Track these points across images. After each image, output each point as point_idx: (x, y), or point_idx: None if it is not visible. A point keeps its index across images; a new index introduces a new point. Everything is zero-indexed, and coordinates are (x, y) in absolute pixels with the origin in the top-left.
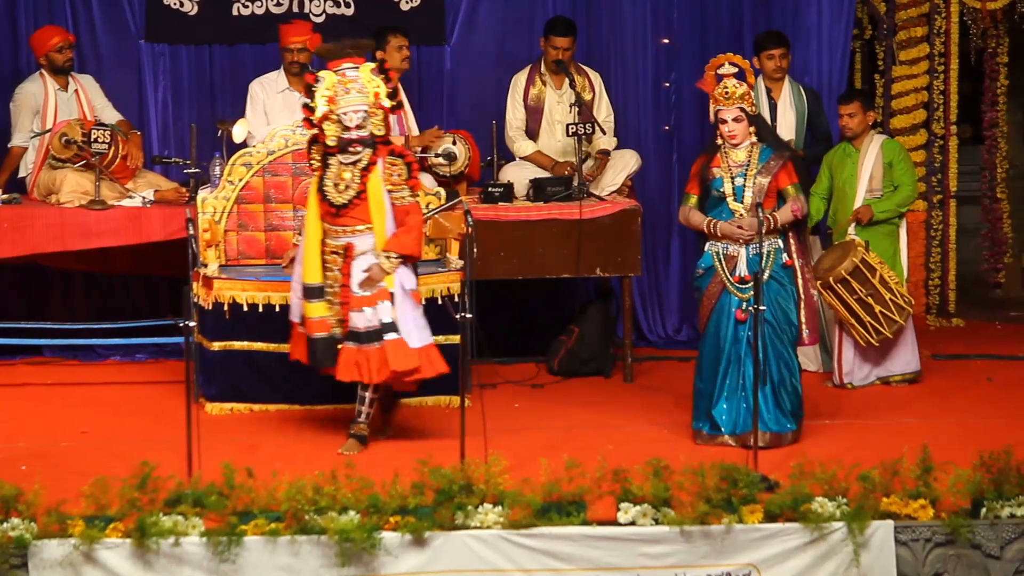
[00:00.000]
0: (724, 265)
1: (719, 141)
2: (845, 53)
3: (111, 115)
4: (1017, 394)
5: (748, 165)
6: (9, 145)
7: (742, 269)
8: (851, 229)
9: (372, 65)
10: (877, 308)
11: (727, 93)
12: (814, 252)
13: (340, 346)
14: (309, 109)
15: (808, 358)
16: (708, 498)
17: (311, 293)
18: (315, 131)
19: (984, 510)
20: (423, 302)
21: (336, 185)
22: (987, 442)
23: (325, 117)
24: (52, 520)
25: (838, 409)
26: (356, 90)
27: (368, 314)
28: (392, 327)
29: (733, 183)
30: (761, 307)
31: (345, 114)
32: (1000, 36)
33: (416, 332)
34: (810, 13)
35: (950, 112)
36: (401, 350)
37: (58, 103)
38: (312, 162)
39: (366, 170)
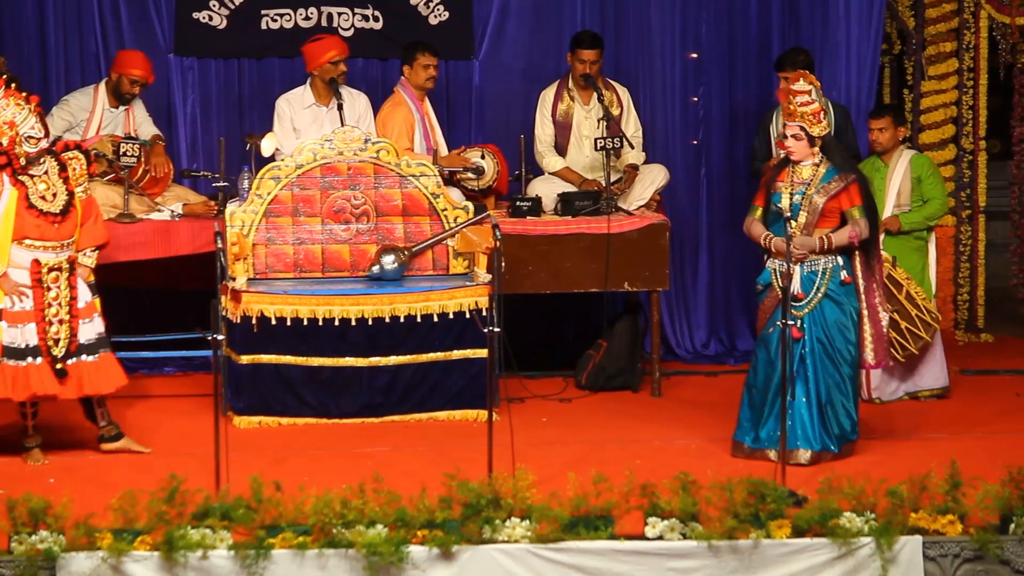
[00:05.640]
0: (781, 282)
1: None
2: (874, 68)
3: (148, 130)
4: None
5: (809, 184)
6: None
7: (796, 287)
8: None
9: None
10: (903, 324)
11: (790, 110)
12: None
13: (67, 364)
14: None
15: None
16: (736, 513)
17: None
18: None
19: (1013, 526)
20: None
21: (43, 198)
22: (1016, 457)
23: (13, 141)
24: (80, 533)
25: (866, 424)
26: (24, 104)
27: (89, 326)
28: (106, 342)
29: (791, 199)
30: (789, 322)
31: (32, 129)
32: None
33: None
34: (839, 28)
35: (979, 127)
36: (114, 367)
37: (103, 119)
38: None
39: (61, 173)
